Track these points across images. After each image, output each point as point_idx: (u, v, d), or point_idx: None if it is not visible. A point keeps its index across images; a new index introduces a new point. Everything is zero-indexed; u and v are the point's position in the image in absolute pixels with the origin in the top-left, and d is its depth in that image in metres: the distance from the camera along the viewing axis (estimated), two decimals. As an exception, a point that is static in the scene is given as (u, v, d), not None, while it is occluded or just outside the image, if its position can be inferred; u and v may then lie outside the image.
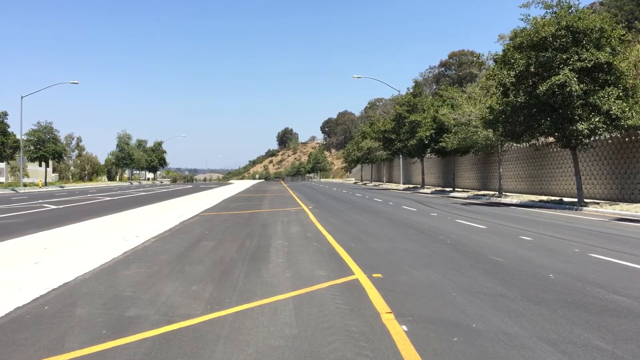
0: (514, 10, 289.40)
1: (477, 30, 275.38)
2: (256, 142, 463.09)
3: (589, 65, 17.35)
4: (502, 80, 19.50)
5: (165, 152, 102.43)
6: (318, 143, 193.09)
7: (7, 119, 47.68)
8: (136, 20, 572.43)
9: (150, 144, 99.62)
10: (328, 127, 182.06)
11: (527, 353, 3.79)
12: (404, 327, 4.36)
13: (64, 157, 67.56)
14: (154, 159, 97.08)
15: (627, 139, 21.07)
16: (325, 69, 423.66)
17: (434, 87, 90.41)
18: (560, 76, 17.20)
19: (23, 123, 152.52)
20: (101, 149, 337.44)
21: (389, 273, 6.75)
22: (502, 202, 24.78)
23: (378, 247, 9.17)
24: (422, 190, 39.28)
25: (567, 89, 17.24)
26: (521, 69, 18.61)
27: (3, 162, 58.29)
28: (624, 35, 18.48)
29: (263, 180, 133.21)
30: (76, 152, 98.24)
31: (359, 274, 6.62)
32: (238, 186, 53.98)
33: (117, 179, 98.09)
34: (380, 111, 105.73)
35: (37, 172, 74.60)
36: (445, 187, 42.72)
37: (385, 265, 7.37)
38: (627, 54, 18.15)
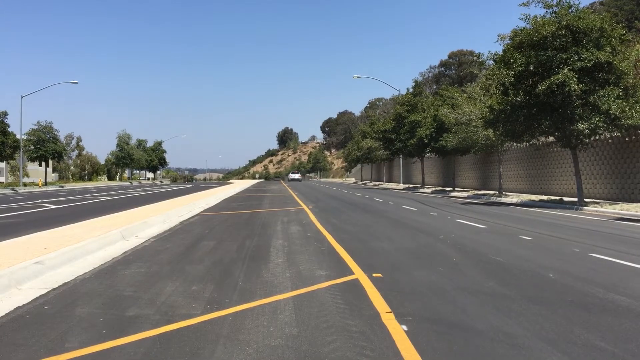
0: (514, 10, 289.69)
1: (478, 30, 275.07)
2: (256, 142, 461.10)
3: (589, 65, 17.35)
4: (501, 80, 19.49)
5: (165, 151, 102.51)
6: (318, 143, 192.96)
7: (7, 118, 47.70)
8: (137, 21, 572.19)
9: (150, 144, 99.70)
10: (328, 126, 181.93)
11: (527, 353, 3.79)
12: (404, 327, 4.36)
13: (64, 157, 67.52)
14: (154, 159, 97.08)
15: (627, 139, 21.07)
16: (325, 69, 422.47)
17: (434, 87, 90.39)
18: (560, 75, 17.19)
19: (23, 123, 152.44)
20: (101, 149, 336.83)
21: (389, 273, 6.75)
22: (502, 201, 24.78)
23: (378, 247, 9.17)
24: (422, 190, 39.28)
25: (567, 89, 17.24)
26: (521, 68, 18.61)
27: (3, 161, 58.28)
28: (624, 35, 18.48)
29: (263, 180, 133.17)
30: (76, 151, 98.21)
31: (359, 274, 6.62)
32: (238, 186, 53.97)
33: (117, 178, 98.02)
34: (381, 111, 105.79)
35: (37, 172, 74.57)
36: (445, 186, 42.71)
37: (385, 264, 7.37)
38: (627, 53, 18.15)
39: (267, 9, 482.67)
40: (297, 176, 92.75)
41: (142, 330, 4.36)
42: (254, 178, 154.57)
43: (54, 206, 21.95)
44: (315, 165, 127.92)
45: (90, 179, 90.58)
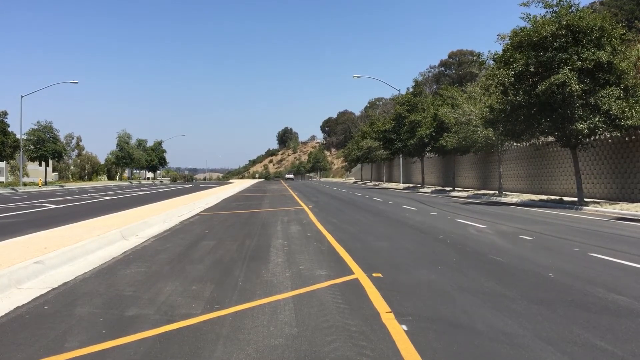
0: (514, 10, 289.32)
1: (478, 30, 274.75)
2: (256, 142, 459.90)
3: (590, 66, 17.33)
4: (501, 79, 19.48)
5: (165, 151, 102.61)
6: (318, 142, 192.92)
7: (7, 118, 47.76)
8: (137, 21, 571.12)
9: (150, 144, 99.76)
10: (328, 126, 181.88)
11: (527, 353, 3.79)
12: (404, 327, 4.36)
13: (64, 157, 67.56)
14: (154, 159, 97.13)
15: (627, 139, 21.07)
16: (325, 69, 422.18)
17: (434, 86, 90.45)
18: (560, 75, 17.17)
19: (23, 122, 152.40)
20: (101, 149, 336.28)
21: (389, 272, 6.74)
22: (502, 201, 24.78)
23: (378, 247, 9.17)
24: (422, 190, 39.27)
25: (567, 89, 17.22)
26: (520, 68, 18.59)
27: (3, 161, 58.32)
28: (624, 34, 18.46)
29: (263, 179, 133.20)
30: (76, 151, 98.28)
31: (358, 274, 6.62)
32: (238, 185, 53.95)
33: (117, 178, 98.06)
34: (381, 110, 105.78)
35: (37, 172, 74.55)
36: (445, 186, 42.70)
37: (385, 264, 7.37)
38: (627, 53, 18.13)
39: (268, 9, 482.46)
40: (291, 176, 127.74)
41: (142, 330, 4.36)
42: (254, 178, 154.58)
43: (54, 206, 21.95)
44: (315, 165, 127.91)
45: (90, 179, 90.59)
